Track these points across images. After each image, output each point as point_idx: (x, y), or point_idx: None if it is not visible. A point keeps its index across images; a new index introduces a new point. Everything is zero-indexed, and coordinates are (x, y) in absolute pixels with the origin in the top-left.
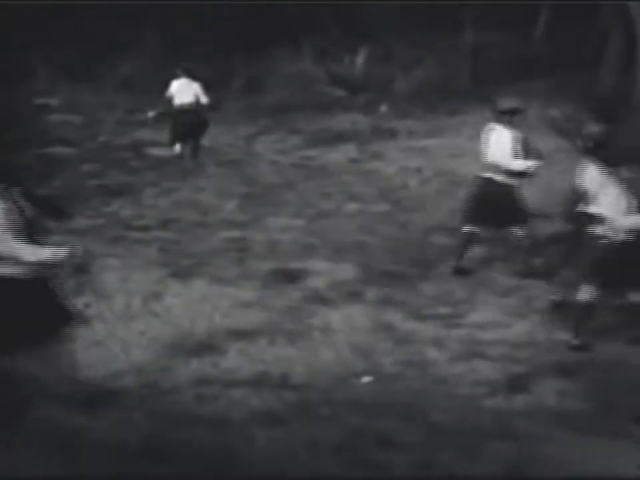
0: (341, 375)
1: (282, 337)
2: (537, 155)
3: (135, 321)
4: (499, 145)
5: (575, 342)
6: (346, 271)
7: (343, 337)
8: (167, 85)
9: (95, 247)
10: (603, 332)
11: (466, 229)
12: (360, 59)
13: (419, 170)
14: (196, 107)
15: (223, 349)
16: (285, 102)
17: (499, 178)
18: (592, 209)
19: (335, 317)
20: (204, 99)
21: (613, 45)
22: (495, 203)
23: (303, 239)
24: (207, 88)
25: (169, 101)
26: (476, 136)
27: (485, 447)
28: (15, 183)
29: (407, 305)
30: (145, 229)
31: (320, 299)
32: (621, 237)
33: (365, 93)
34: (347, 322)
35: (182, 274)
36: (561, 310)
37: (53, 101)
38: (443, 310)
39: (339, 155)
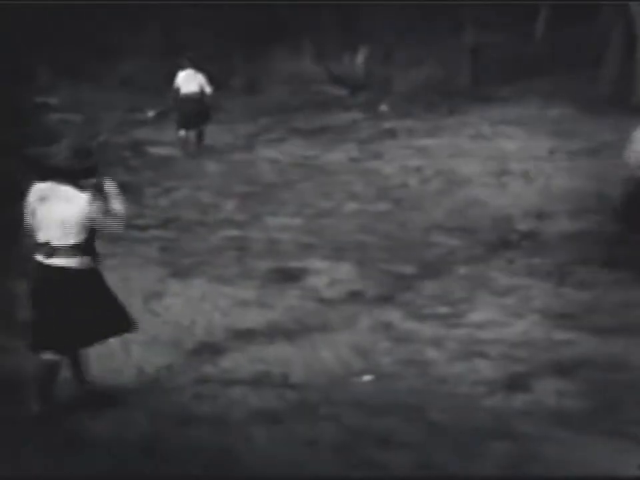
0: (340, 375)
1: (281, 336)
2: None
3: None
4: None
5: None
6: (345, 270)
7: (342, 337)
8: (171, 79)
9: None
10: (602, 331)
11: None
12: (360, 59)
13: (418, 169)
14: (201, 96)
15: (223, 348)
16: (285, 101)
17: None
18: None
19: (334, 316)
20: (208, 89)
21: (613, 44)
22: None
23: (303, 238)
24: (211, 79)
25: (177, 90)
26: (475, 136)
27: (484, 447)
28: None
29: (407, 305)
30: (145, 228)
31: (319, 298)
32: None
33: (364, 92)
34: (347, 321)
35: (182, 273)
36: None
37: (53, 100)
38: (442, 309)
39: (338, 154)
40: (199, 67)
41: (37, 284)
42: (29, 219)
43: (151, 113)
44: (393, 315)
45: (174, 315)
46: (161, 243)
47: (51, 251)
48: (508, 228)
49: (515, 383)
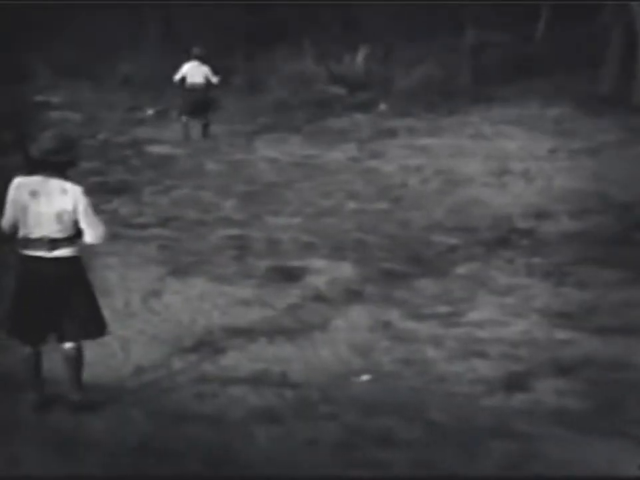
0: (339, 374)
1: (281, 335)
2: None
3: (134, 318)
4: None
5: None
6: (345, 269)
7: (341, 336)
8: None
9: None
10: (602, 330)
11: None
12: (360, 58)
13: (418, 169)
14: (206, 86)
15: (222, 347)
16: (285, 100)
17: None
18: None
19: (334, 315)
20: (214, 79)
21: (613, 44)
22: None
23: (302, 238)
24: (216, 71)
25: (182, 81)
26: (476, 135)
27: (483, 446)
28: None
29: (406, 304)
30: (145, 226)
31: (319, 297)
32: None
33: (365, 91)
34: (346, 320)
35: (181, 272)
36: None
37: (54, 99)
38: (442, 309)
39: (338, 153)
40: (203, 60)
41: (32, 278)
42: (11, 215)
43: (150, 112)
44: (393, 314)
45: (173, 314)
46: (161, 241)
47: (51, 244)
48: (508, 227)
49: (515, 383)
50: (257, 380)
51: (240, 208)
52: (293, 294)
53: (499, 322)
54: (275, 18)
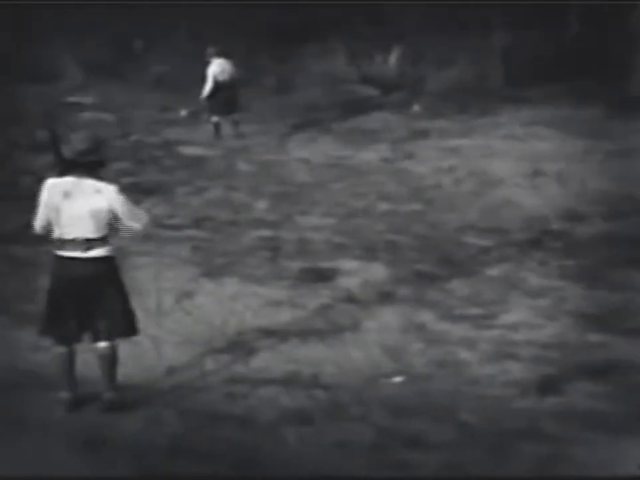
0: (371, 375)
1: (312, 336)
2: None
3: (167, 319)
4: None
5: None
6: (377, 270)
7: (373, 337)
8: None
9: (127, 245)
10: (634, 333)
11: None
12: (392, 58)
13: (450, 170)
14: (233, 83)
15: (254, 348)
16: (317, 101)
17: None
18: None
19: (366, 316)
20: (239, 74)
21: None
22: None
23: (334, 238)
24: (240, 64)
25: (214, 78)
26: (507, 136)
27: (515, 448)
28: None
29: (439, 306)
30: (177, 227)
31: (351, 298)
32: None
33: (397, 92)
34: (378, 322)
35: (214, 273)
36: None
37: (86, 99)
38: (474, 310)
39: (370, 154)
40: (228, 55)
41: (67, 278)
42: (44, 216)
43: (184, 113)
44: (425, 316)
45: (206, 315)
46: (193, 242)
47: (86, 245)
48: (540, 229)
49: (547, 385)
50: (288, 381)
51: (271, 209)
52: (324, 295)
53: (531, 324)
54: (305, 18)
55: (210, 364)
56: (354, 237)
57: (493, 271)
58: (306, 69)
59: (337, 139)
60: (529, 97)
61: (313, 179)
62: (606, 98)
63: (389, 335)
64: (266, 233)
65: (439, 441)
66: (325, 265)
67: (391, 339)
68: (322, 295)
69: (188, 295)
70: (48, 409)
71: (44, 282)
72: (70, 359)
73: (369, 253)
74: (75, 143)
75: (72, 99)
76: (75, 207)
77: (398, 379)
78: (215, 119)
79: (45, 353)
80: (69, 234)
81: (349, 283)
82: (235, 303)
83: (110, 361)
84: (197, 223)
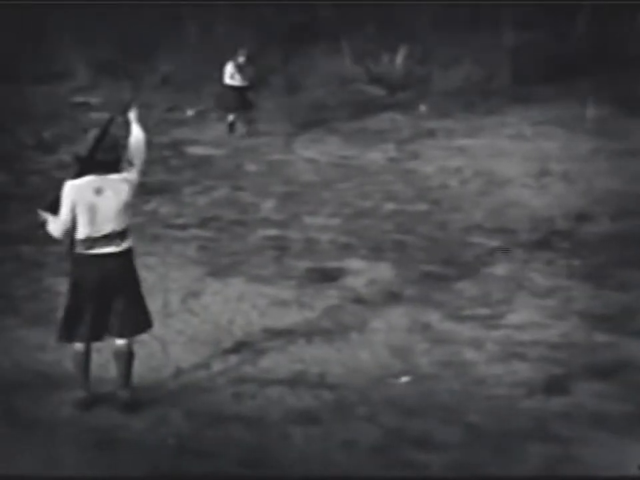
0: (378, 375)
1: (319, 336)
2: None
3: (173, 319)
4: None
5: None
6: (384, 270)
7: (380, 337)
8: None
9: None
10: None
11: None
12: (400, 58)
13: (457, 170)
14: (248, 83)
15: (261, 348)
16: (324, 101)
17: None
18: None
19: (372, 316)
20: (252, 75)
21: None
22: None
23: (341, 238)
24: (254, 65)
25: (231, 78)
26: (515, 136)
27: (522, 448)
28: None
29: (445, 306)
30: (184, 227)
31: (357, 298)
32: None
33: (403, 92)
34: (385, 322)
35: (220, 272)
36: None
37: (93, 99)
38: (481, 311)
39: (377, 154)
40: (247, 57)
41: (96, 277)
42: (70, 218)
43: (190, 112)
44: (432, 316)
45: (212, 315)
46: (200, 242)
47: (120, 237)
48: (548, 229)
49: (554, 385)
50: (295, 381)
51: (278, 208)
52: (331, 295)
53: (538, 324)
54: (312, 18)
55: (217, 364)
56: (361, 237)
57: (500, 271)
58: (313, 69)
59: (344, 138)
60: (537, 96)
61: (319, 179)
62: (614, 97)
63: (395, 335)
64: (273, 232)
65: (446, 441)
66: (332, 264)
67: (398, 339)
68: (329, 295)
69: (194, 295)
70: (56, 409)
71: (51, 282)
72: (86, 357)
73: (376, 253)
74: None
75: (79, 98)
76: (109, 201)
77: (405, 379)
78: (230, 117)
79: (52, 352)
80: (104, 230)
81: (356, 283)
82: (242, 302)
83: (126, 359)
84: (204, 222)
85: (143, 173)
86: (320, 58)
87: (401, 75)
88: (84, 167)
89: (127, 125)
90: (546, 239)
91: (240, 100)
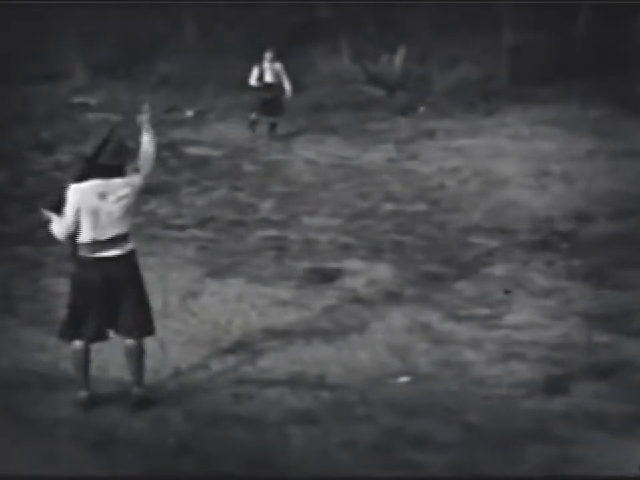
0: (377, 375)
1: (318, 336)
2: None
3: (172, 319)
4: None
5: None
6: (382, 271)
7: (379, 337)
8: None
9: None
10: None
11: None
12: (398, 59)
13: (456, 170)
14: (278, 85)
15: (260, 348)
16: (322, 101)
17: None
18: None
19: (371, 317)
20: (284, 77)
21: None
22: None
23: (340, 239)
24: (287, 68)
25: (259, 79)
26: (514, 136)
27: (521, 449)
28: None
29: (444, 306)
30: (183, 227)
31: (356, 298)
32: None
33: (402, 92)
34: (384, 322)
35: (219, 273)
36: None
37: (91, 100)
38: (480, 311)
39: (376, 154)
40: (277, 57)
41: (101, 279)
42: (74, 221)
43: (189, 113)
44: (431, 316)
45: (211, 315)
46: (199, 242)
47: (124, 240)
48: (547, 229)
49: (554, 386)
50: (294, 381)
51: (277, 209)
52: (330, 295)
53: (537, 324)
54: (311, 18)
55: (216, 364)
56: (360, 237)
57: (499, 271)
58: (313, 69)
59: (343, 139)
60: (536, 96)
61: (318, 180)
62: (613, 98)
63: (394, 335)
64: (271, 233)
65: (445, 441)
66: (331, 265)
67: (397, 339)
68: (328, 295)
69: (193, 295)
70: (55, 409)
71: (50, 282)
72: (86, 356)
73: (375, 253)
74: (110, 147)
75: (77, 99)
76: (112, 205)
77: (404, 379)
78: (253, 116)
79: (51, 352)
80: (108, 234)
81: (355, 283)
82: (241, 303)
83: (138, 357)
84: (203, 223)
85: (148, 177)
86: (319, 58)
87: (399, 75)
88: (88, 170)
89: (131, 126)
90: (545, 239)
91: (268, 104)
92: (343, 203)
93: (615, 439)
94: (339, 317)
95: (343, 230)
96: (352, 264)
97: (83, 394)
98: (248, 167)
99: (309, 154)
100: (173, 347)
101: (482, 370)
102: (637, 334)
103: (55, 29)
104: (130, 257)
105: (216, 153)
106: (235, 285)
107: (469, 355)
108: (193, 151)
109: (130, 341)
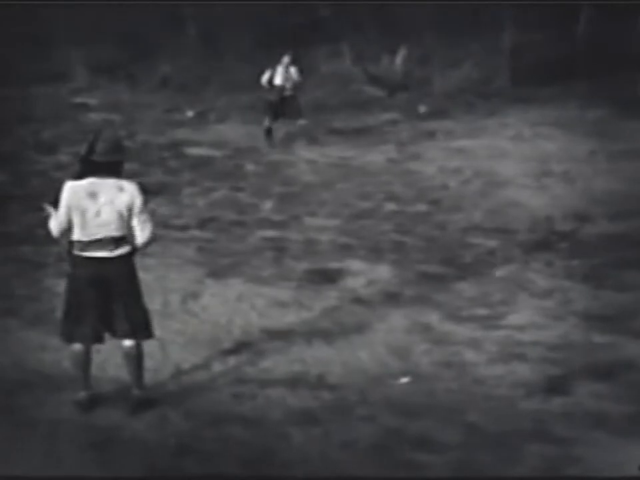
0: (377, 376)
1: (319, 337)
2: None
3: (173, 319)
4: None
5: None
6: (383, 271)
7: (379, 338)
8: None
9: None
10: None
11: None
12: (399, 59)
13: (457, 170)
14: (293, 89)
15: (260, 349)
16: (323, 102)
17: None
18: None
19: (372, 317)
20: (298, 79)
21: None
22: None
23: (341, 239)
24: (302, 71)
25: (270, 82)
26: (515, 137)
27: (522, 449)
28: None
29: (445, 306)
30: (183, 228)
31: (357, 299)
32: None
33: (403, 93)
34: (384, 322)
35: (219, 273)
36: None
37: (92, 100)
38: (480, 311)
39: (377, 155)
40: (293, 60)
41: (92, 279)
42: (66, 219)
43: (190, 114)
44: (431, 317)
45: (211, 315)
46: (199, 243)
47: (114, 244)
48: (547, 230)
49: (554, 386)
50: (295, 382)
51: (278, 209)
52: (330, 296)
53: (538, 325)
54: (312, 18)
55: (216, 364)
56: (360, 238)
57: (500, 272)
58: (314, 70)
59: (344, 139)
60: (537, 97)
61: (319, 180)
62: (614, 98)
63: (395, 335)
64: (272, 233)
65: (446, 442)
66: (331, 265)
67: (397, 339)
68: (328, 296)
69: (194, 295)
70: (57, 409)
71: (51, 282)
72: (86, 358)
73: (375, 253)
74: (100, 145)
75: (78, 99)
76: (102, 207)
77: (404, 380)
78: (267, 123)
79: (52, 353)
80: (96, 234)
81: (355, 283)
82: (241, 303)
83: (136, 359)
84: (203, 223)
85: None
86: (319, 59)
87: (400, 75)
88: (84, 168)
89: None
90: (545, 240)
91: (283, 107)
92: (343, 203)
93: (615, 439)
94: (340, 317)
95: (343, 230)
96: (352, 264)
97: (83, 394)
98: (249, 168)
99: (310, 154)
100: (173, 347)
101: (482, 370)
102: (637, 334)
103: (56, 30)
104: (121, 261)
105: (217, 153)
106: (235, 285)
107: (469, 355)
108: (193, 151)
109: (127, 344)
